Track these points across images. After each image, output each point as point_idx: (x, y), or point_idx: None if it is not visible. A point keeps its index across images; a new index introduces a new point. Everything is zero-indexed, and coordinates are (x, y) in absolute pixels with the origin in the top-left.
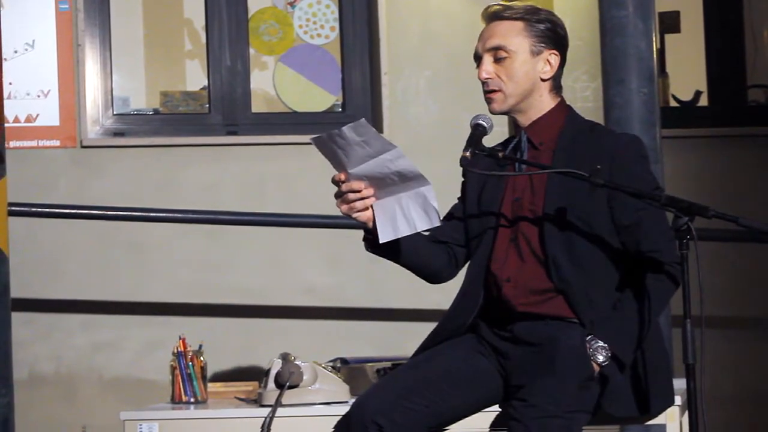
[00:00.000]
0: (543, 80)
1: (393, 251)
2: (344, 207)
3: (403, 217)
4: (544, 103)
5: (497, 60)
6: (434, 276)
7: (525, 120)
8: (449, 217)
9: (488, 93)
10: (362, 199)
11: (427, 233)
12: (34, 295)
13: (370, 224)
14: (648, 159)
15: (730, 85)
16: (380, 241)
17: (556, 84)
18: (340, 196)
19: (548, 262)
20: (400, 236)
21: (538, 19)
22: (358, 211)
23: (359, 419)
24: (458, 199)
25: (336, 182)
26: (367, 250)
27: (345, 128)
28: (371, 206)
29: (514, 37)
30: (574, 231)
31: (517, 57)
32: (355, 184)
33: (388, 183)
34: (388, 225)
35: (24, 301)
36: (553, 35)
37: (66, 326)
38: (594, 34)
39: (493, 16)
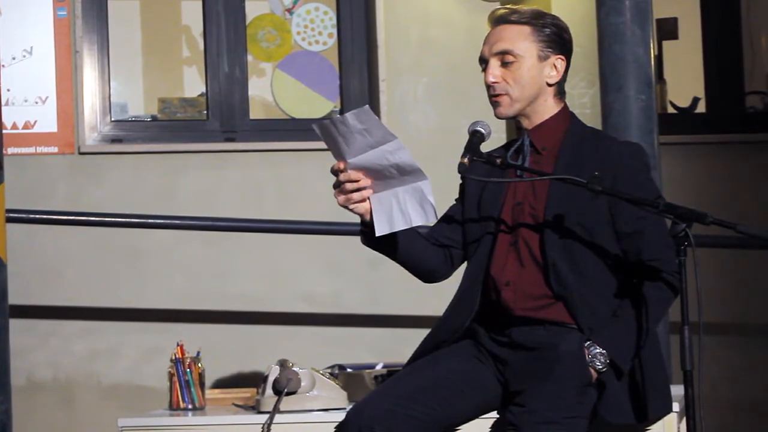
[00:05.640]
0: (549, 85)
1: (389, 245)
2: (341, 198)
3: (400, 211)
4: (548, 108)
5: (504, 64)
6: (429, 274)
7: (528, 124)
8: (448, 219)
9: (494, 96)
10: (359, 190)
11: (424, 230)
12: (32, 302)
13: (368, 216)
14: (650, 168)
15: (728, 91)
16: (376, 235)
17: (560, 89)
18: (338, 186)
19: (548, 268)
20: (396, 230)
21: (545, 23)
22: (355, 202)
23: (356, 426)
24: (456, 200)
25: (334, 172)
26: (363, 243)
27: (348, 114)
28: (368, 199)
29: (522, 42)
30: (574, 237)
31: (524, 62)
32: (354, 175)
33: (387, 175)
34: (384, 218)
35: (22, 307)
36: (559, 40)
37: (64, 333)
38: (592, 41)
39: (499, 20)
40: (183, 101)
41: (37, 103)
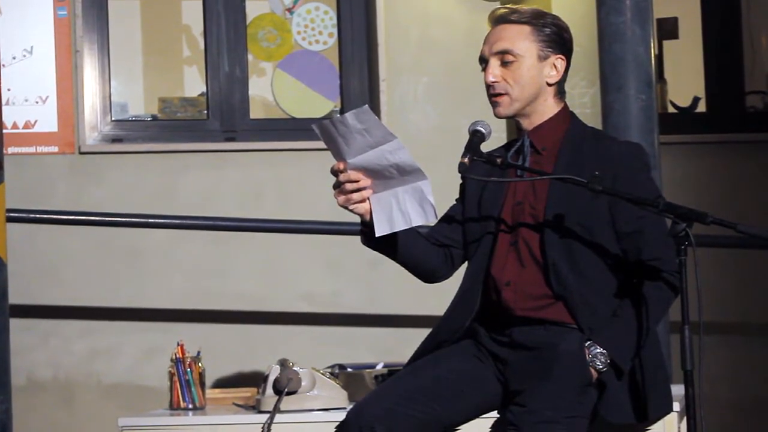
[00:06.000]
0: (549, 85)
1: (389, 246)
2: (341, 198)
3: (399, 211)
4: (548, 107)
5: (504, 64)
6: (429, 274)
7: (528, 124)
8: (448, 219)
9: (494, 96)
10: (359, 190)
11: (424, 230)
12: (32, 302)
13: (367, 217)
14: (650, 167)
15: (728, 91)
16: (376, 235)
17: (560, 89)
18: (337, 186)
19: (548, 268)
20: (396, 230)
21: (545, 23)
22: (355, 202)
23: (357, 425)
24: (456, 200)
25: (334, 172)
26: (363, 243)
27: (347, 114)
28: (368, 199)
29: (522, 42)
30: (574, 237)
31: (524, 61)
32: (353, 175)
33: (386, 176)
34: (384, 219)
35: (22, 307)
36: (559, 39)
37: (64, 332)
38: (592, 41)
39: (499, 20)
40: (183, 101)
41: (37, 102)
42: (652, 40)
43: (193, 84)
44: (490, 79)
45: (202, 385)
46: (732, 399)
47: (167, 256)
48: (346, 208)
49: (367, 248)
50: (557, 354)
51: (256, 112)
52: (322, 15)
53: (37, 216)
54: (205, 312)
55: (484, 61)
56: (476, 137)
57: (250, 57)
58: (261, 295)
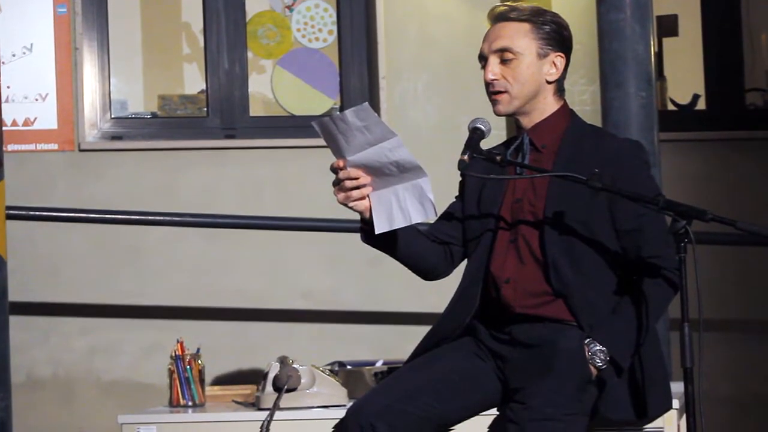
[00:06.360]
0: (548, 83)
1: (388, 243)
2: (341, 195)
3: (399, 208)
4: (548, 105)
5: (503, 61)
6: (429, 272)
7: (528, 122)
8: (448, 216)
9: (494, 94)
10: (359, 187)
11: (424, 228)
12: (32, 299)
13: (367, 214)
14: (650, 165)
15: (728, 88)
16: (376, 232)
17: (559, 86)
18: (337, 183)
19: (548, 266)
20: (395, 228)
21: (544, 20)
22: (355, 200)
23: (356, 422)
24: (456, 197)
25: (334, 169)
26: (362, 240)
27: (347, 112)
28: (368, 196)
29: (521, 39)
30: (574, 234)
31: (524, 59)
32: (353, 172)
33: (386, 173)
34: (384, 216)
35: (22, 304)
36: (558, 37)
37: (64, 330)
38: (592, 38)
39: (499, 17)
40: (183, 98)
41: (37, 100)
42: (651, 38)
43: (193, 81)
44: (490, 76)
45: (202, 382)
46: (732, 396)
47: (167, 254)
48: (345, 205)
49: (367, 246)
50: (557, 351)
51: (255, 110)
52: (322, 12)
53: (37, 213)
54: (204, 309)
55: (483, 58)
56: (476, 134)
57: (249, 54)
58: (261, 292)
